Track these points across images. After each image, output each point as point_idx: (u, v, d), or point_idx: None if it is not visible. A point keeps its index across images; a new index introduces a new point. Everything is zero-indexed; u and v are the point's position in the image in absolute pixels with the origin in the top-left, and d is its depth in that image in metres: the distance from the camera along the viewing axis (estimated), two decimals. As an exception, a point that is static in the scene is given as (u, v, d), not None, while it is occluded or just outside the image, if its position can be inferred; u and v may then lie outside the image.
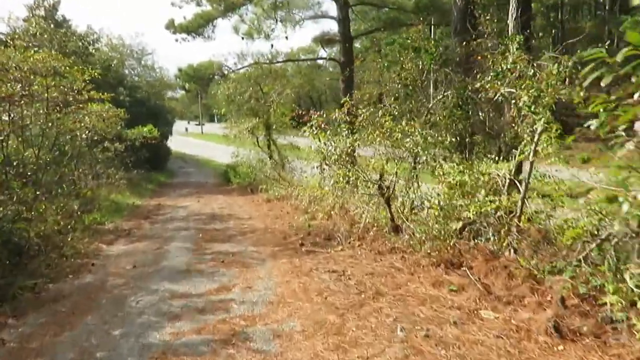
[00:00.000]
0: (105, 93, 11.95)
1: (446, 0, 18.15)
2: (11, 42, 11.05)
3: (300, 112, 21.53)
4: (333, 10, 24.05)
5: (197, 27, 18.01)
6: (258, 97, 19.48)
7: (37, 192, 10.48)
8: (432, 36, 16.42)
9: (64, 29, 20.40)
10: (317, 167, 13.09)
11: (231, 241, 8.60)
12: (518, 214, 5.71)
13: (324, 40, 19.93)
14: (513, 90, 6.00)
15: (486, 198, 5.97)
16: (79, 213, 11.16)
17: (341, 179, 8.58)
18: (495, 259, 5.45)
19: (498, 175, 6.29)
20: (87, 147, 13.83)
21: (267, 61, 18.91)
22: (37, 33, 19.04)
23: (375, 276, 5.89)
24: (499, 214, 5.90)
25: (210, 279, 6.22)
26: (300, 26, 20.18)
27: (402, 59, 9.09)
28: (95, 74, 11.13)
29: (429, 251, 6.20)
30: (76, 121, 11.17)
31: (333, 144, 8.87)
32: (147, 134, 14.69)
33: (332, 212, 10.13)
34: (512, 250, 5.49)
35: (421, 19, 12.84)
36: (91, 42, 21.24)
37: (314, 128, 7.93)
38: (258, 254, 7.53)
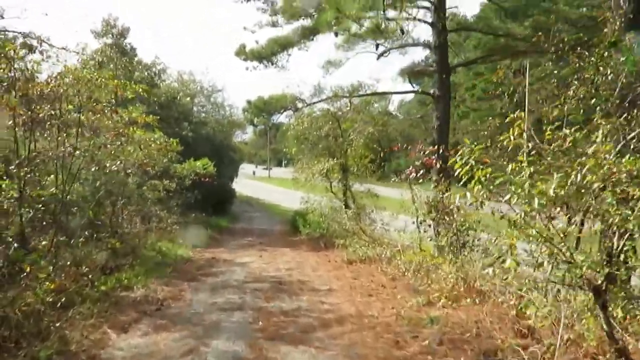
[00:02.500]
0: (151, 115, 9.20)
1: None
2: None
3: (382, 153, 18.29)
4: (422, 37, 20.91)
5: (270, 54, 15.38)
6: (335, 135, 16.38)
7: (55, 240, 7.80)
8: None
9: (129, 58, 18.44)
10: (418, 222, 9.71)
11: (309, 342, 5.14)
12: None
13: (413, 72, 16.68)
14: None
15: None
16: (106, 270, 8.24)
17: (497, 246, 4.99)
18: None
19: None
20: (135, 184, 11.09)
21: (347, 94, 15.84)
22: (103, 60, 17.14)
23: None
24: None
25: None
26: (385, 56, 17.12)
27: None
28: (140, 89, 8.35)
29: None
30: (112, 150, 8.33)
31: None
32: (200, 170, 11.82)
33: (457, 294, 6.53)
34: None
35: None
36: (157, 72, 19.17)
37: (467, 162, 4.36)
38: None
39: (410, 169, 10.59)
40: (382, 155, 19.26)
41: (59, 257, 7.68)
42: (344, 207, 16.78)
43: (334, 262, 10.78)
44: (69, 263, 7.45)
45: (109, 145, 8.12)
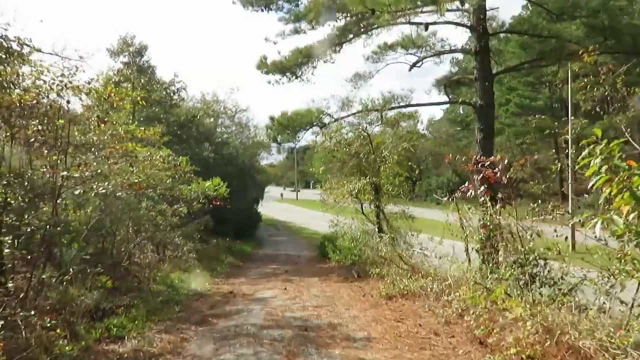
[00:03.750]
0: (157, 127, 7.86)
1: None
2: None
3: (416, 171, 16.57)
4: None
5: (293, 65, 13.93)
6: (366, 152, 14.81)
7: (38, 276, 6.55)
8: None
9: (147, 76, 17.36)
10: (467, 248, 8.08)
11: None
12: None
13: (450, 82, 15.02)
14: None
15: None
16: (97, 313, 6.79)
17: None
18: None
19: None
20: (147, 209, 9.70)
21: (378, 107, 14.28)
22: (120, 79, 16.09)
23: None
24: None
25: None
26: (418, 66, 15.55)
27: None
28: (137, 95, 7.03)
29: None
30: (105, 169, 6.92)
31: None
32: (210, 191, 10.25)
33: (542, 351, 4.78)
34: None
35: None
36: (176, 90, 18.04)
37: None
38: None
39: (467, 185, 8.94)
40: (416, 173, 17.62)
41: (40, 299, 6.33)
42: (377, 230, 15.11)
43: (370, 296, 9.09)
44: (48, 307, 6.07)
45: (98, 164, 6.68)
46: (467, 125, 48.16)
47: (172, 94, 17.77)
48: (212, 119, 22.72)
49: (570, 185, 22.41)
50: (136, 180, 7.36)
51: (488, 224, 7.25)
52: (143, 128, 8.42)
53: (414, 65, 15.77)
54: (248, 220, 22.54)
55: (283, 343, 5.83)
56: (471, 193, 6.28)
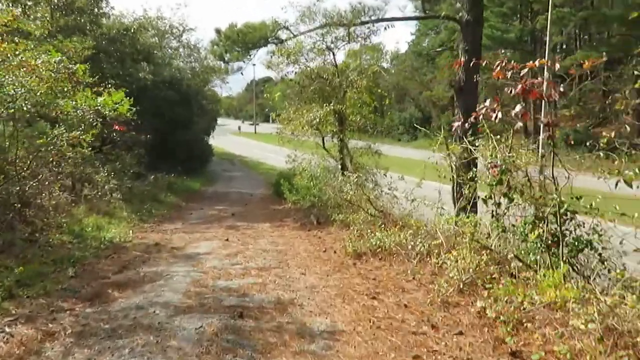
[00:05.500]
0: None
1: None
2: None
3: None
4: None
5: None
6: (330, 75, 12.34)
7: None
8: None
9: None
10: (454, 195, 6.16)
11: None
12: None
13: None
14: None
15: None
16: None
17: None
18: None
19: None
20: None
21: (346, 21, 11.63)
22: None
23: None
24: None
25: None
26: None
27: None
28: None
29: None
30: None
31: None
32: (105, 109, 7.37)
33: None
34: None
35: None
36: (103, -4, 14.70)
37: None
38: None
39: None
40: (386, 103, 15.37)
41: None
42: (340, 168, 12.98)
43: (333, 252, 7.02)
44: None
45: None
46: (432, 60, 45.68)
47: (98, 0, 14.46)
48: (155, 38, 19.39)
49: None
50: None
51: (500, 163, 5.14)
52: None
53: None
54: (196, 153, 19.92)
55: (199, 347, 3.65)
56: (495, 116, 4.06)
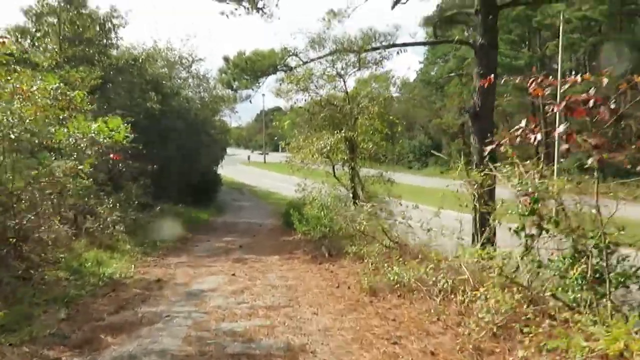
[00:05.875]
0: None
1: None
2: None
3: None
4: None
5: (252, -10, 10.80)
6: (340, 101, 12.00)
7: None
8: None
9: (76, 8, 13.92)
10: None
11: None
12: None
13: (443, 19, 12.14)
14: None
15: None
16: None
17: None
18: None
19: None
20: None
21: (356, 47, 11.34)
22: (43, 12, 12.68)
23: None
24: None
25: None
26: (403, 3, 12.59)
27: None
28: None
29: None
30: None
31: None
32: (100, 137, 6.85)
33: None
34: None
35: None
36: (112, 27, 14.64)
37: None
38: None
39: (526, 125, 6.38)
40: (398, 130, 15.00)
41: None
42: (351, 196, 12.50)
43: (347, 288, 6.47)
44: None
45: None
46: (440, 88, 45.56)
47: (107, 31, 14.39)
48: (164, 69, 19.31)
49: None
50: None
51: (532, 190, 4.65)
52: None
53: (397, 1, 12.82)
54: (205, 183, 19.57)
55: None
56: (534, 138, 3.56)
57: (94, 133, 5.97)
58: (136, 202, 12.39)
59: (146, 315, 5.37)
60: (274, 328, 4.81)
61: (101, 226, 9.28)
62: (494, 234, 6.84)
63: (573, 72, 34.85)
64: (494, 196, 6.97)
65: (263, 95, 60.09)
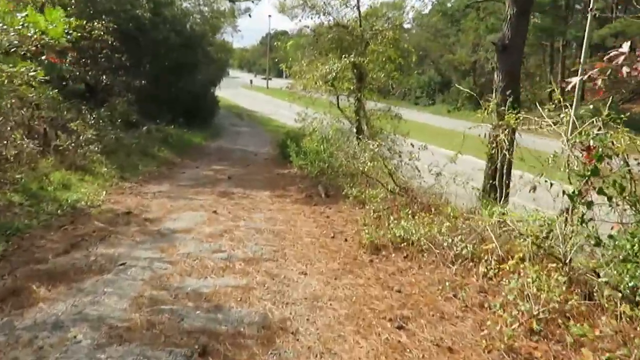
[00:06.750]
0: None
1: None
2: None
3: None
4: None
5: None
6: (351, 21, 10.49)
7: None
8: None
9: None
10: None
11: None
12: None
13: None
14: None
15: None
16: None
17: None
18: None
19: None
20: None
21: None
22: None
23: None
24: None
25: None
26: None
27: None
28: None
29: None
30: None
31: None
32: (26, 31, 5.27)
33: None
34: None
35: None
36: None
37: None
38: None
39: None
40: (413, 60, 13.57)
41: None
42: (355, 131, 11.32)
43: (344, 241, 5.47)
44: None
45: None
46: (456, 21, 42.73)
47: None
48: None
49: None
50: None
51: (595, 145, 3.50)
52: None
53: None
54: (201, 104, 18.20)
55: None
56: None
57: (21, 26, 4.62)
58: (120, 120, 11.24)
59: (99, 259, 4.39)
60: (250, 291, 3.84)
61: (73, 144, 8.17)
62: (506, 188, 5.86)
63: (596, 15, 32.37)
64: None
65: (269, 16, 56.95)
